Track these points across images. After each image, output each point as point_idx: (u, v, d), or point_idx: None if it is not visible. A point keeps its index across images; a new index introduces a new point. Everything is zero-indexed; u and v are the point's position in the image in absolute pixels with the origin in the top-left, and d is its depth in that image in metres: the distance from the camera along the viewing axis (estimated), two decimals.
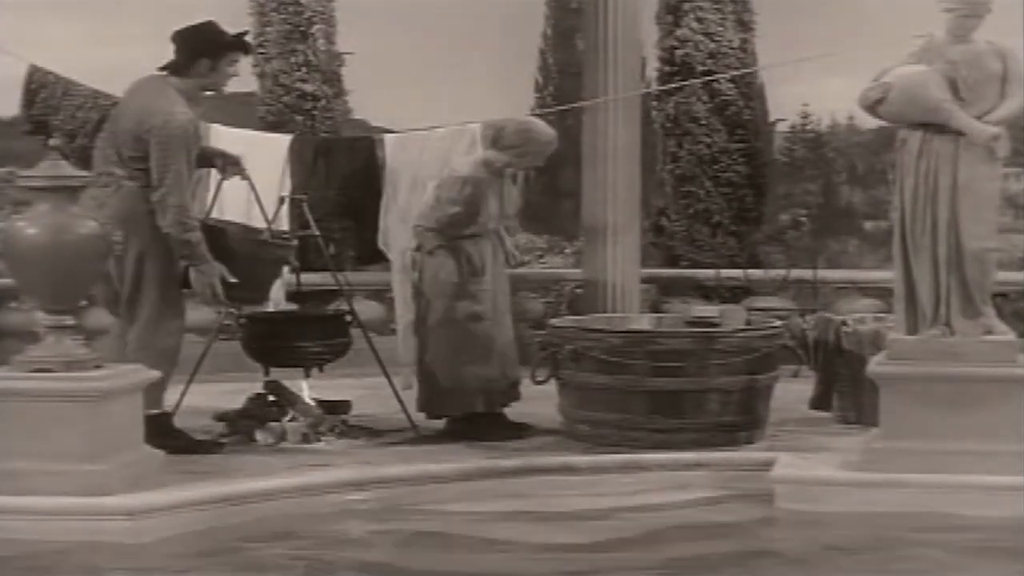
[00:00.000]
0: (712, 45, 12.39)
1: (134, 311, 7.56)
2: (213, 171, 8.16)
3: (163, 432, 7.50)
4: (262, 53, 12.41)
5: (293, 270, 8.26)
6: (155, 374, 7.16)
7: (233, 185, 8.08)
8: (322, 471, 7.36)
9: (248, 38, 7.85)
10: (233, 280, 7.53)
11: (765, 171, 12.88)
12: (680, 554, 6.49)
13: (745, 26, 12.58)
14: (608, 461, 7.65)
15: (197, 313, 9.32)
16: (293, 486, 7.08)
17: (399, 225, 8.89)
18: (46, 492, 6.48)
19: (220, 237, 7.65)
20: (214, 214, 8.14)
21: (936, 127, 7.10)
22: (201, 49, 7.59)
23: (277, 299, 9.05)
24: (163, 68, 7.64)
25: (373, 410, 8.61)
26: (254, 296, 7.91)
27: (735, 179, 12.49)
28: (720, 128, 12.47)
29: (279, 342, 8.24)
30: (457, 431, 8.15)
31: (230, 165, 7.93)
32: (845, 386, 8.58)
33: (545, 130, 8.35)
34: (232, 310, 8.38)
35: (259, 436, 8.01)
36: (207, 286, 7.53)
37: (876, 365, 7.25)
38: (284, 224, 8.65)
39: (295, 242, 8.12)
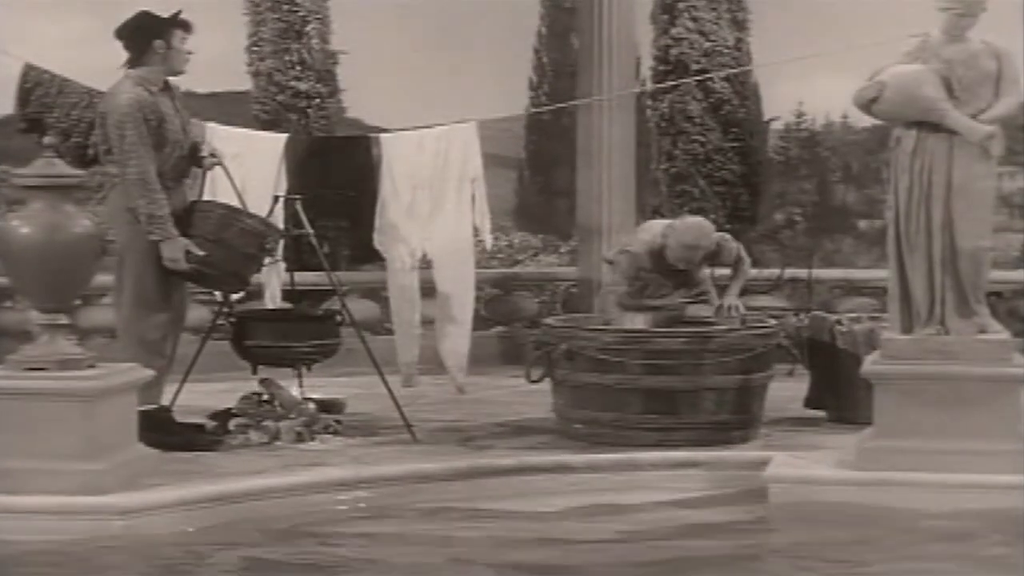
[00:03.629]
0: (707, 44, 12.38)
1: (118, 306, 7.67)
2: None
3: (162, 427, 7.52)
4: (256, 52, 12.40)
5: (276, 247, 8.18)
6: (149, 373, 7.17)
7: (221, 184, 8.07)
8: (316, 470, 7.35)
9: (184, 16, 7.83)
10: (201, 253, 7.57)
11: (759, 170, 12.87)
12: (674, 553, 6.49)
13: (740, 25, 12.58)
14: (603, 460, 7.64)
15: (191, 312, 9.31)
16: (287, 485, 7.07)
17: (408, 223, 8.87)
18: (40, 491, 6.47)
19: (194, 207, 7.73)
20: None
21: (931, 126, 7.10)
22: (151, 33, 7.64)
23: (274, 296, 9.07)
24: (123, 66, 7.72)
25: (367, 409, 8.61)
26: (230, 268, 7.83)
27: (730, 178, 12.49)
28: (714, 127, 12.47)
29: (266, 341, 8.23)
30: None
31: (200, 156, 7.93)
32: (839, 385, 8.57)
33: (682, 234, 8.37)
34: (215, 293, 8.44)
35: (253, 435, 8.00)
36: (172, 260, 7.56)
37: (871, 364, 7.25)
38: (280, 224, 8.61)
39: (280, 228, 8.10)
